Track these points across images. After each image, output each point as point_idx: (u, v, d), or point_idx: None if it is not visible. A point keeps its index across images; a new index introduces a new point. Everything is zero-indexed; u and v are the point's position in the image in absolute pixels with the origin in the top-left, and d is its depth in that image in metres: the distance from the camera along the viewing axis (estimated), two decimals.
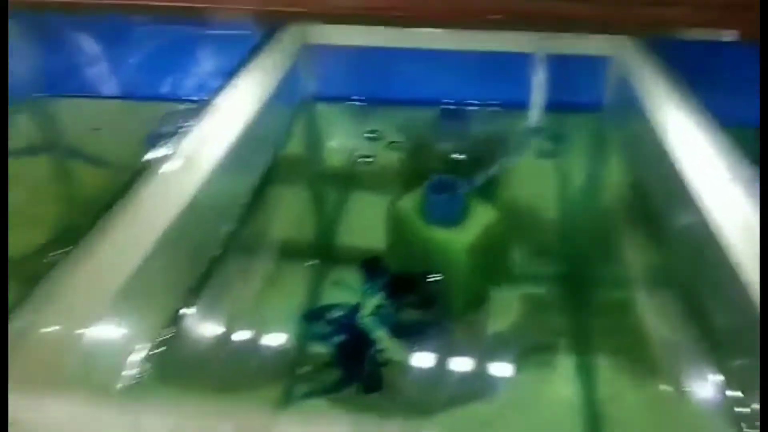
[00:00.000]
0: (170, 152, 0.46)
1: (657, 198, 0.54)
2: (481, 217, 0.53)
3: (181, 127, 0.49)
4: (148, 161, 0.45)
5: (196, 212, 0.45)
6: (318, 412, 0.24)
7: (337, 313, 0.50)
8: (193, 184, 0.45)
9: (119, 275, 0.36)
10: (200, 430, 0.25)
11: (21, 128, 0.79)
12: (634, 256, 0.55)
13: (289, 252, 0.57)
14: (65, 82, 0.82)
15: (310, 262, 0.55)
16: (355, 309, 0.50)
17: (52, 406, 0.26)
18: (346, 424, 0.24)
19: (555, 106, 0.68)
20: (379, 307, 0.50)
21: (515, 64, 0.68)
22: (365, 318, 0.49)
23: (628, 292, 0.52)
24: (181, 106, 0.75)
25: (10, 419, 0.24)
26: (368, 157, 0.69)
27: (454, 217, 0.52)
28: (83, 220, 0.38)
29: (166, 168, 0.45)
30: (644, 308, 0.51)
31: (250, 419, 0.24)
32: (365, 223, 0.60)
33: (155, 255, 0.39)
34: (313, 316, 0.50)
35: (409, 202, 0.54)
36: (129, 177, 0.42)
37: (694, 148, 0.47)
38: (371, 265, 0.54)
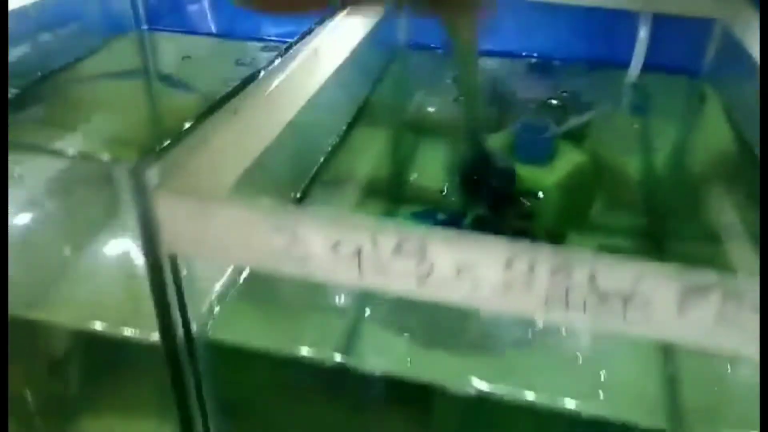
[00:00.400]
0: (262, 83, 0.47)
1: None
2: (570, 159, 0.53)
3: (273, 62, 0.50)
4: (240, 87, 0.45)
5: (287, 140, 0.46)
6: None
7: (443, 216, 0.51)
8: (282, 116, 0.47)
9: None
10: (362, 242, 0.26)
11: (120, 56, 0.83)
12: (731, 217, 0.54)
13: (375, 186, 0.59)
14: (166, 17, 0.86)
15: (395, 193, 0.57)
16: (461, 214, 0.51)
17: (212, 215, 0.27)
18: (502, 243, 0.25)
19: (653, 68, 0.67)
20: (479, 217, 0.51)
21: (615, 22, 0.67)
22: (469, 223, 0.50)
23: (719, 252, 0.51)
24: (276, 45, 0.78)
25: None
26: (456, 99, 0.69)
27: (542, 157, 0.53)
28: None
29: (260, 94, 0.45)
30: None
31: (411, 234, 0.25)
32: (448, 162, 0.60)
33: (249, 174, 0.40)
34: (420, 215, 0.52)
35: (496, 141, 0.55)
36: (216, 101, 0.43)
37: None
38: (475, 180, 0.55)
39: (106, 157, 0.28)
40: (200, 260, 0.30)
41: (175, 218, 0.28)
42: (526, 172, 0.51)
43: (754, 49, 0.58)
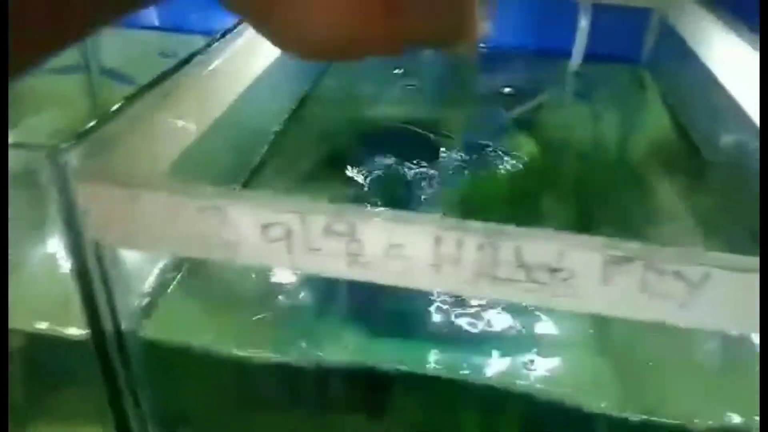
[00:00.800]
0: (195, 69, 0.44)
1: (708, 144, 0.55)
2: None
3: (209, 46, 0.48)
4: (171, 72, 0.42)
5: (225, 127, 0.45)
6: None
7: None
8: (218, 102, 0.45)
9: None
10: (291, 223, 0.25)
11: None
12: (669, 196, 0.55)
13: (320, 174, 0.58)
14: None
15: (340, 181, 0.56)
16: None
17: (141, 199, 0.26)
18: (431, 220, 0.24)
19: (593, 56, 0.68)
20: None
21: (557, 13, 0.68)
22: None
23: (659, 231, 0.52)
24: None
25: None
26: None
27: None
28: None
29: (193, 79, 0.43)
30: None
31: (341, 214, 0.25)
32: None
33: (183, 162, 0.39)
34: None
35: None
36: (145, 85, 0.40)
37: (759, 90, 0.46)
38: None
39: (21, 141, 0.27)
40: (126, 249, 0.29)
41: (98, 205, 0.27)
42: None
43: (689, 37, 0.60)
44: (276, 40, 0.22)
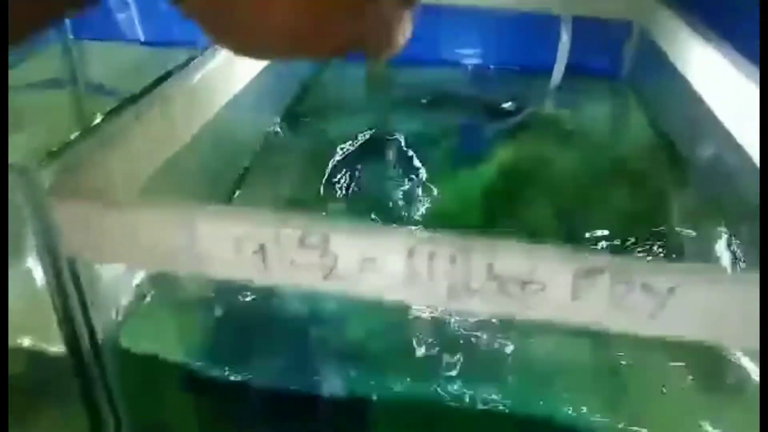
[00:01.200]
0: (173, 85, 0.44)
1: (689, 154, 0.56)
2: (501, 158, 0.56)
3: (188, 64, 0.48)
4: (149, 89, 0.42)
5: (205, 142, 0.45)
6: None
7: None
8: (198, 117, 0.45)
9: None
10: (265, 238, 0.25)
11: (49, 66, 0.81)
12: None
13: (301, 189, 0.58)
14: (93, 26, 0.84)
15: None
16: None
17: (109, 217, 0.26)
18: (403, 233, 0.25)
19: (575, 70, 0.69)
20: None
21: (539, 29, 0.69)
22: None
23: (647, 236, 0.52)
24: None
25: None
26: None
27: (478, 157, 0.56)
28: None
29: (172, 96, 0.43)
30: None
31: (311, 228, 0.25)
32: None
33: (161, 176, 0.39)
34: None
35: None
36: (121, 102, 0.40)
37: (738, 103, 0.47)
38: None
39: None
40: (100, 264, 0.29)
41: (71, 221, 0.27)
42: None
43: (668, 49, 0.61)
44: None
